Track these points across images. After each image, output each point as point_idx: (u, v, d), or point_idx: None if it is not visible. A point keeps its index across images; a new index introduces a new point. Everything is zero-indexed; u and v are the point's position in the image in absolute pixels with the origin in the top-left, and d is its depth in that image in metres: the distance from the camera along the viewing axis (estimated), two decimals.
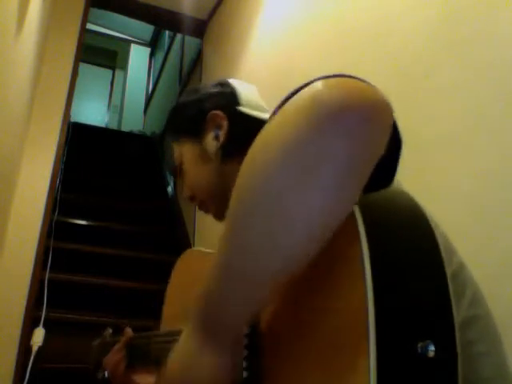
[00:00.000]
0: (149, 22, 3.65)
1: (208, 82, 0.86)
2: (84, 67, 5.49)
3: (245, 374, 0.50)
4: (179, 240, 3.12)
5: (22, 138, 2.27)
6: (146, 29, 6.34)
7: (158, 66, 5.97)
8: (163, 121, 4.71)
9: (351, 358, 0.37)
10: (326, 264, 0.43)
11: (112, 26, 6.42)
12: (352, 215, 0.41)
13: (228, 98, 0.76)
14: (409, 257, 0.40)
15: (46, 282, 2.32)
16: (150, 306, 1.74)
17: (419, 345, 0.35)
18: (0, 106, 1.52)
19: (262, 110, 0.76)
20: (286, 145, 0.38)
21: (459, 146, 1.03)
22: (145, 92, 6.72)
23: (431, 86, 1.14)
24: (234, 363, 0.47)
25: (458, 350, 0.37)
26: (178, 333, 0.52)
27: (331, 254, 0.42)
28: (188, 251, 0.89)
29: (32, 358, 2.06)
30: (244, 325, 0.48)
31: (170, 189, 3.89)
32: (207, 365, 0.45)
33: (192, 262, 0.86)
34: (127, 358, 0.87)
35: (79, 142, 3.67)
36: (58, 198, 2.73)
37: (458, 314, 0.38)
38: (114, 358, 0.87)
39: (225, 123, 0.74)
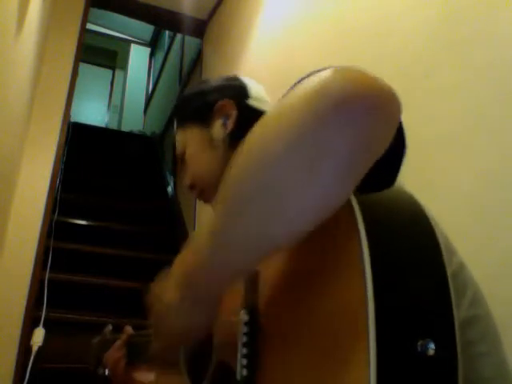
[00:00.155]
0: (149, 22, 3.65)
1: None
2: (84, 67, 5.49)
3: (244, 371, 0.50)
4: (179, 240, 3.12)
5: (22, 138, 2.27)
6: (146, 29, 6.34)
7: (158, 66, 5.97)
8: (163, 121, 4.71)
9: (351, 356, 0.37)
10: (326, 262, 0.43)
11: (112, 26, 6.42)
12: (352, 214, 0.41)
13: (238, 90, 0.77)
14: (409, 255, 0.40)
15: (46, 282, 2.32)
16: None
17: (419, 343, 0.35)
18: (0, 106, 1.52)
19: (269, 107, 0.76)
20: (286, 134, 0.37)
21: (459, 145, 1.03)
22: (145, 92, 6.72)
23: (431, 86, 1.14)
24: (206, 322, 0.51)
25: (459, 348, 0.37)
26: None
27: (331, 253, 0.43)
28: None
29: (32, 358, 2.06)
30: (223, 291, 0.50)
31: (170, 189, 3.89)
32: (184, 314, 0.49)
33: None
34: (127, 355, 0.88)
35: (79, 142, 3.67)
36: (58, 198, 2.73)
37: (459, 314, 0.38)
38: (115, 355, 0.88)
39: (234, 112, 0.75)
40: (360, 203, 0.41)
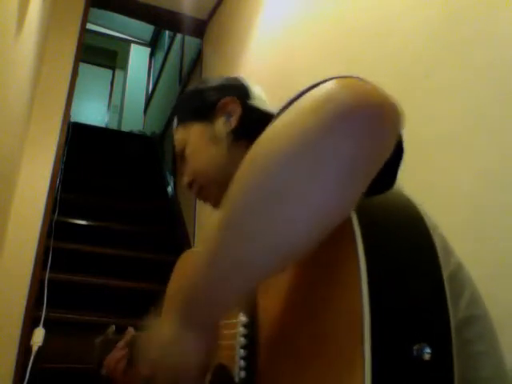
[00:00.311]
0: (149, 22, 3.65)
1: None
2: (84, 67, 5.49)
3: (242, 374, 0.50)
4: (179, 240, 3.12)
5: (22, 138, 2.27)
6: (146, 29, 6.34)
7: (158, 66, 5.97)
8: (163, 121, 4.71)
9: (347, 360, 0.37)
10: (322, 265, 0.43)
11: (112, 26, 6.42)
12: (348, 218, 0.41)
13: (240, 90, 0.78)
14: (404, 258, 0.40)
15: (46, 282, 2.32)
16: (150, 306, 1.74)
17: (415, 347, 0.35)
18: (0, 106, 1.52)
19: (269, 108, 0.77)
20: (293, 142, 0.38)
21: (459, 145, 1.03)
22: (145, 92, 6.72)
23: (431, 86, 1.14)
24: (207, 349, 0.47)
25: (454, 352, 0.36)
26: None
27: (328, 256, 0.43)
28: (188, 252, 0.89)
29: (32, 358, 2.06)
30: (224, 315, 0.48)
31: (170, 189, 3.89)
32: (184, 345, 0.46)
33: None
34: (129, 356, 0.88)
35: (79, 142, 3.67)
36: (58, 198, 2.73)
37: (456, 315, 0.38)
38: (116, 355, 0.88)
39: (238, 110, 0.75)
40: (356, 207, 0.41)
